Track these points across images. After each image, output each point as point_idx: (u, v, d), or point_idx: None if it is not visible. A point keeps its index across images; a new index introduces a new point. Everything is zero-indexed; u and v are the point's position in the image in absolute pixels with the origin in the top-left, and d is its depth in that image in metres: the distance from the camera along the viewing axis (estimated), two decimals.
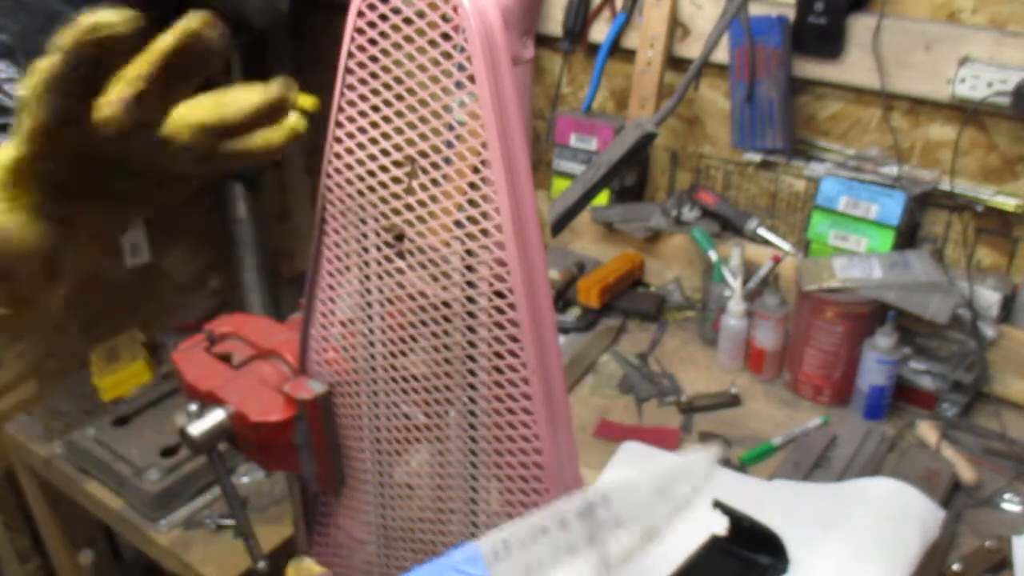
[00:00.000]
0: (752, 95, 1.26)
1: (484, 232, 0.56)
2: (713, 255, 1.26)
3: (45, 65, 0.41)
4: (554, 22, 1.45)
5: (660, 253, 1.41)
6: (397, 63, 0.56)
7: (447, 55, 0.53)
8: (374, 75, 0.57)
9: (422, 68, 0.55)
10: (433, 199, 0.58)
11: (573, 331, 1.32)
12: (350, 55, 0.58)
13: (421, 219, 0.59)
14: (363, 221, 0.63)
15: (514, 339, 0.57)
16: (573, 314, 1.34)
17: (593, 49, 1.45)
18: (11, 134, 0.44)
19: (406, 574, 0.38)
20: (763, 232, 1.33)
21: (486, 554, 0.37)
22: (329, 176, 0.63)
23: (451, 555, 0.38)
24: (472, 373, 0.61)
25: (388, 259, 0.63)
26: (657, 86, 1.36)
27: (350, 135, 0.60)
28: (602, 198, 1.43)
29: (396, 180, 0.59)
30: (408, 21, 0.54)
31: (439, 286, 0.60)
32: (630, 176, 1.46)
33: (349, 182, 0.62)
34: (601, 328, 1.32)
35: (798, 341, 1.17)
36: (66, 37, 0.39)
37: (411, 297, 0.62)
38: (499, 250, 0.55)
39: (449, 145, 0.56)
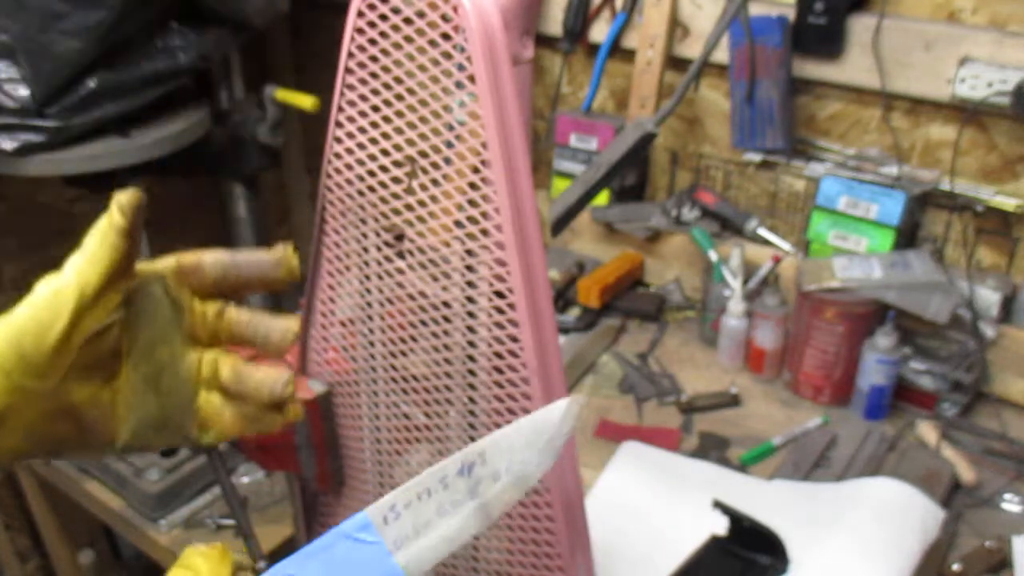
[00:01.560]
0: (752, 95, 1.26)
1: (484, 232, 0.56)
2: (713, 255, 1.26)
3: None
4: (554, 22, 1.45)
5: (660, 253, 1.41)
6: (397, 63, 0.56)
7: (447, 55, 0.53)
8: (374, 75, 0.57)
9: (422, 68, 0.55)
10: (433, 199, 0.58)
11: (573, 331, 1.32)
12: (350, 55, 0.58)
13: (421, 219, 0.59)
14: (363, 221, 0.63)
15: (514, 339, 0.57)
16: (573, 314, 1.34)
17: (593, 49, 1.45)
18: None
19: (300, 549, 0.40)
20: (763, 232, 1.33)
21: (375, 519, 0.40)
22: (329, 176, 0.63)
23: (341, 525, 0.40)
24: (472, 373, 0.61)
25: (388, 259, 0.63)
26: (657, 86, 1.36)
27: (350, 135, 0.60)
28: (602, 198, 1.43)
29: (396, 180, 0.59)
30: (408, 21, 0.54)
31: (439, 286, 0.60)
32: (630, 176, 1.46)
33: (349, 182, 0.62)
34: (601, 328, 1.32)
35: (798, 341, 1.17)
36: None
37: (411, 297, 0.62)
38: (499, 250, 0.55)
39: (449, 145, 0.56)
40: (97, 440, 0.48)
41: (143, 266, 0.47)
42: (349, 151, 0.61)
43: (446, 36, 0.53)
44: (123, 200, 0.43)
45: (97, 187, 1.43)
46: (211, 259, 0.49)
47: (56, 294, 0.43)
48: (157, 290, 0.48)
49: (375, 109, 0.58)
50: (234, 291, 0.50)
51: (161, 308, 0.48)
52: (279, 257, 0.49)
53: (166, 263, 0.49)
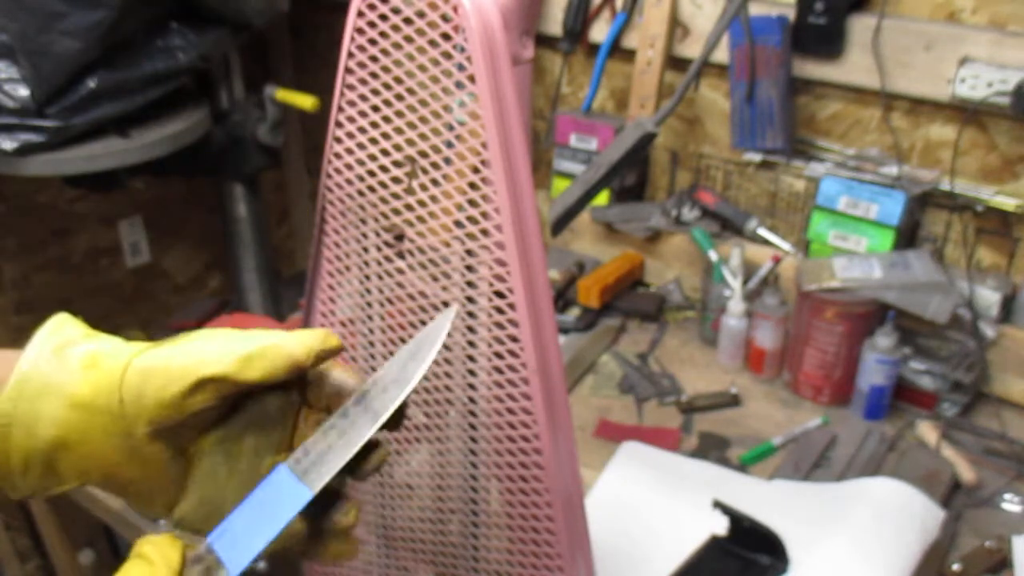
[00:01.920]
0: (752, 95, 1.26)
1: (484, 232, 0.56)
2: (713, 255, 1.26)
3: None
4: (554, 22, 1.45)
5: (660, 253, 1.41)
6: (397, 63, 0.56)
7: (447, 55, 0.53)
8: (374, 75, 0.58)
9: (422, 68, 0.55)
10: (433, 199, 0.58)
11: (573, 331, 1.32)
12: (350, 55, 0.58)
13: (421, 219, 0.59)
14: (363, 221, 0.63)
15: (514, 339, 0.57)
16: (573, 314, 1.34)
17: (593, 49, 1.45)
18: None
19: (232, 511, 0.44)
20: (763, 232, 1.33)
21: (289, 463, 0.45)
22: (329, 176, 0.63)
23: (264, 480, 0.45)
24: (472, 373, 0.61)
25: (388, 259, 0.63)
26: (657, 86, 1.36)
27: (350, 135, 0.60)
28: (602, 198, 1.43)
29: (396, 180, 0.59)
30: (408, 21, 0.54)
31: (439, 286, 0.60)
32: (630, 176, 1.46)
33: (349, 182, 0.62)
34: (601, 328, 1.32)
35: (798, 341, 1.17)
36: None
37: (411, 297, 0.62)
38: (499, 250, 0.55)
39: (449, 145, 0.56)
40: (157, 501, 0.47)
41: None
42: (349, 151, 0.61)
43: (446, 36, 0.53)
44: (330, 344, 0.46)
45: (97, 187, 1.43)
46: (336, 377, 0.48)
47: (201, 363, 0.44)
48: (273, 394, 0.47)
49: (375, 109, 0.58)
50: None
51: (272, 402, 0.47)
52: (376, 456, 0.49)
53: (309, 358, 0.48)
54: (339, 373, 0.48)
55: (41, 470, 0.45)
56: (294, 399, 0.48)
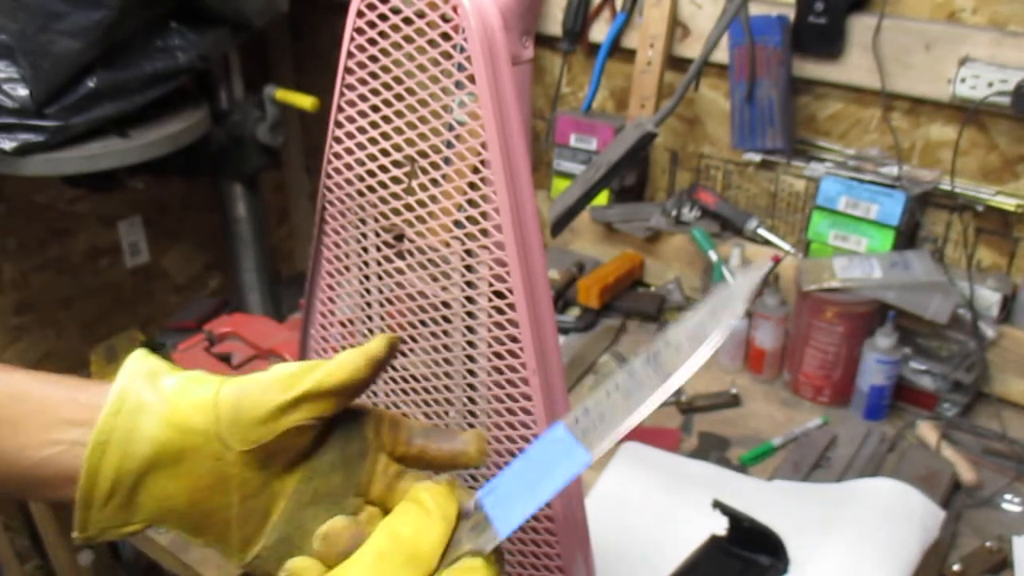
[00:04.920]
0: (752, 95, 1.26)
1: (484, 232, 0.55)
2: (713, 255, 1.26)
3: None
4: (554, 22, 1.45)
5: (660, 253, 1.41)
6: (397, 63, 0.56)
7: (447, 55, 0.53)
8: (374, 75, 0.57)
9: (422, 68, 0.55)
10: (433, 199, 0.58)
11: (573, 331, 1.32)
12: (350, 55, 0.58)
13: (421, 219, 0.59)
14: (363, 221, 0.63)
15: (514, 339, 0.57)
16: (573, 314, 1.34)
17: (593, 49, 1.45)
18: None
19: (507, 466, 0.43)
20: (763, 232, 1.33)
21: (568, 421, 0.42)
22: (329, 176, 0.63)
23: (542, 436, 0.42)
24: (472, 373, 0.61)
25: (388, 259, 0.63)
26: (657, 86, 1.36)
27: (350, 135, 0.60)
28: (602, 198, 1.43)
29: (396, 180, 0.59)
30: (408, 21, 0.54)
31: (439, 286, 0.60)
32: (630, 176, 1.46)
33: (349, 182, 0.62)
34: (601, 328, 1.32)
35: (798, 341, 1.17)
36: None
37: (411, 297, 0.62)
38: (499, 250, 0.55)
39: (449, 145, 0.56)
40: (235, 536, 0.46)
41: (359, 402, 0.48)
42: (349, 151, 0.61)
43: (446, 36, 0.53)
44: (391, 339, 0.46)
45: (97, 187, 1.43)
46: (412, 424, 0.49)
47: (292, 376, 0.44)
48: (360, 424, 0.48)
49: (375, 109, 0.58)
50: (416, 460, 0.49)
51: (355, 441, 0.47)
52: (470, 442, 0.49)
53: (374, 409, 0.49)
54: (412, 420, 0.49)
55: (124, 498, 0.44)
56: (370, 434, 0.48)
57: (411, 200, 0.59)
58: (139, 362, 0.47)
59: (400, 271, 0.62)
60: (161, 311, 1.89)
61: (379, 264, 0.63)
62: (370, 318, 0.66)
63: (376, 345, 0.46)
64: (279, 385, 0.44)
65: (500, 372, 0.59)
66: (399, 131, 0.57)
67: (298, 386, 0.44)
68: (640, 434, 1.10)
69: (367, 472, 0.48)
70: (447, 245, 0.58)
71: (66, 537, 1.52)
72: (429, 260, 0.59)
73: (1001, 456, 1.06)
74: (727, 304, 0.40)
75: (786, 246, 1.30)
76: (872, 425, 1.12)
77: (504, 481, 0.43)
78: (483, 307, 0.58)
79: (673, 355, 0.40)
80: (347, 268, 0.66)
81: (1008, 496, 1.00)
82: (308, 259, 0.68)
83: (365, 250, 0.64)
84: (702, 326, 0.39)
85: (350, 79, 0.58)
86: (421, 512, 0.43)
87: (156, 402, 0.44)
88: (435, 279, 0.60)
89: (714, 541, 0.91)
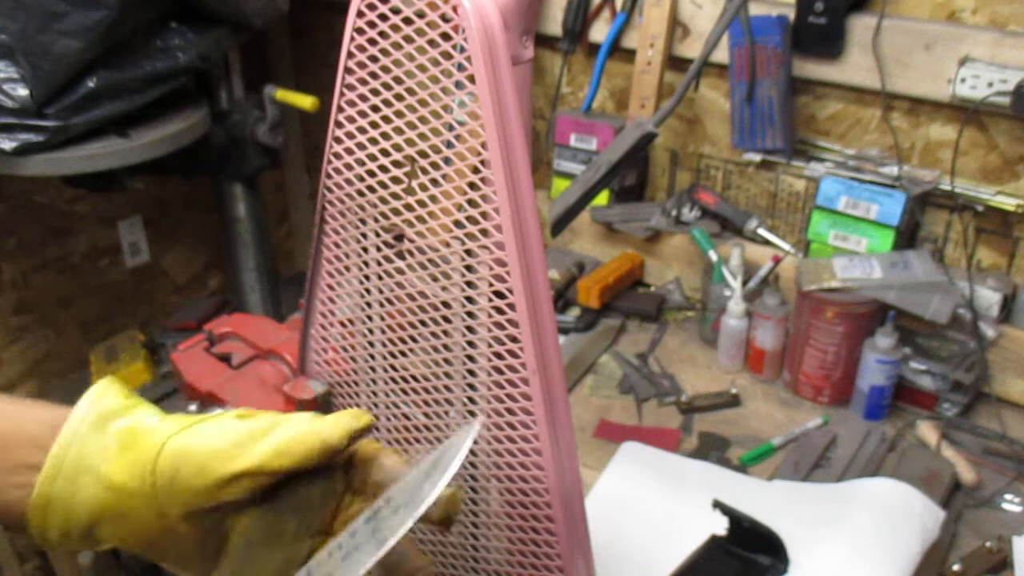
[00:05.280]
0: (752, 95, 1.26)
1: (484, 232, 0.55)
2: (713, 255, 1.26)
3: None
4: (554, 22, 1.45)
5: (660, 253, 1.41)
6: (397, 63, 0.56)
7: (447, 55, 0.53)
8: (374, 75, 0.57)
9: (422, 68, 0.55)
10: (433, 199, 0.58)
11: (573, 331, 1.32)
12: (350, 55, 0.58)
13: (421, 219, 0.59)
14: (363, 221, 0.63)
15: (514, 339, 0.57)
16: (573, 314, 1.34)
17: (593, 49, 1.44)
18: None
19: None
20: (763, 232, 1.33)
21: None
22: (329, 176, 0.63)
23: None
24: (472, 373, 0.61)
25: (388, 259, 0.63)
26: (657, 86, 1.36)
27: (350, 135, 0.60)
28: (602, 198, 1.43)
29: (396, 180, 0.59)
30: (408, 21, 0.54)
31: (439, 286, 0.60)
32: (630, 176, 1.46)
33: (349, 182, 0.62)
34: (601, 328, 1.32)
35: (798, 341, 1.17)
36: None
37: (411, 297, 0.62)
38: (499, 250, 0.55)
39: (449, 145, 0.56)
40: (194, 569, 0.47)
41: (326, 434, 0.45)
42: (349, 151, 0.61)
43: (446, 36, 0.53)
44: (361, 425, 0.45)
45: (96, 187, 1.43)
46: (387, 463, 0.47)
47: (238, 445, 0.44)
48: (329, 476, 0.47)
49: (375, 109, 0.58)
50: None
51: (317, 489, 0.47)
52: (443, 499, 0.46)
53: (356, 453, 0.48)
54: (389, 461, 0.47)
55: (78, 541, 0.46)
56: (337, 483, 0.47)
57: (411, 200, 0.59)
58: (92, 404, 0.47)
59: (400, 271, 0.62)
60: (161, 311, 1.89)
61: (379, 264, 0.63)
62: (370, 318, 0.66)
63: (338, 433, 0.44)
64: (222, 455, 0.44)
65: (500, 372, 0.59)
66: (399, 131, 0.57)
67: (241, 460, 0.43)
68: (640, 434, 1.10)
69: (329, 512, 0.47)
70: (447, 245, 0.58)
71: None
72: (429, 260, 0.59)
73: (1001, 456, 1.06)
74: (441, 466, 0.42)
75: (786, 246, 1.30)
76: (872, 425, 1.12)
77: None
78: (483, 307, 0.58)
79: (390, 517, 0.42)
80: (347, 268, 0.66)
81: (1008, 496, 1.00)
82: (308, 259, 0.68)
83: (365, 250, 0.64)
84: (419, 490, 0.42)
85: (350, 79, 0.58)
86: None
87: (97, 461, 0.45)
88: (435, 279, 0.60)
89: (714, 541, 0.91)
